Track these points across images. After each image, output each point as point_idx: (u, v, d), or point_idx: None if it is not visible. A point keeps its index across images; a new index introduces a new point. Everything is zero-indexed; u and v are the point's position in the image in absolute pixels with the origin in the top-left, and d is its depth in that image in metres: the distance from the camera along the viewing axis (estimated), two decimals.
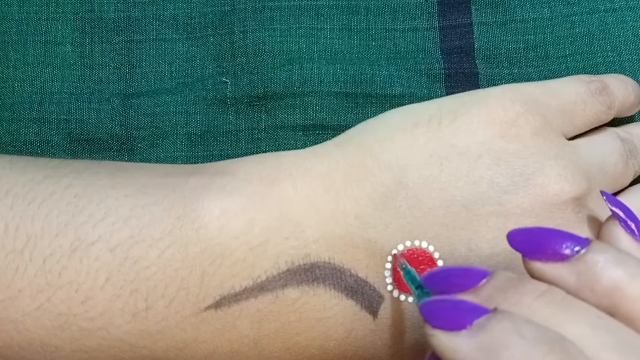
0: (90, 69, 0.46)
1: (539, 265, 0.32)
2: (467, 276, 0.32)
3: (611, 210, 0.36)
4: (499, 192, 0.37)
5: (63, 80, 0.46)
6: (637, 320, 0.30)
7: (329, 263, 0.36)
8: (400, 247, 0.37)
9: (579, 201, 0.37)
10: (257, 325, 0.36)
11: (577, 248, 0.32)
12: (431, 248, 0.37)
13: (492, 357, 0.28)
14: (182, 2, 0.47)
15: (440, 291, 0.32)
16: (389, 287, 0.37)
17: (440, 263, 0.37)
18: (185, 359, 0.36)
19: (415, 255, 0.37)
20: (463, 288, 0.32)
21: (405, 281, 0.35)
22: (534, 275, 0.32)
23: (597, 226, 0.38)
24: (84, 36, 0.47)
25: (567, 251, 0.32)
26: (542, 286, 0.31)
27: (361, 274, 0.37)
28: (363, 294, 0.37)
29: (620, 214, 0.36)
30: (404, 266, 0.36)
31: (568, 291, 0.31)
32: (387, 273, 0.37)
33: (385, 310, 0.37)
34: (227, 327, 0.36)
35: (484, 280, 0.31)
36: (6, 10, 0.47)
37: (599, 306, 0.30)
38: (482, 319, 0.29)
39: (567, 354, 0.28)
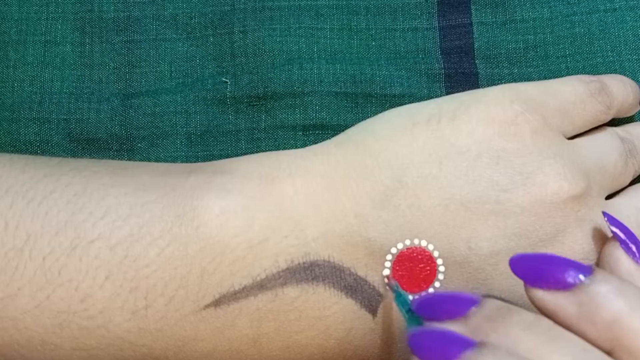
0: (90, 68, 0.46)
1: (540, 294, 0.32)
2: (456, 303, 0.32)
3: (612, 231, 0.36)
4: (498, 191, 0.37)
5: (63, 80, 0.46)
6: (638, 353, 0.30)
7: (329, 262, 0.36)
8: (400, 246, 0.37)
9: (578, 200, 0.37)
10: (256, 323, 0.36)
11: (579, 276, 0.32)
12: (430, 247, 0.37)
13: None
14: (182, 2, 0.47)
15: (430, 318, 0.32)
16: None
17: (439, 262, 0.37)
18: (185, 357, 0.36)
19: (415, 254, 0.37)
20: (452, 316, 0.32)
21: (396, 304, 0.36)
22: (535, 304, 0.32)
23: (597, 226, 0.38)
24: (84, 36, 0.47)
25: (570, 280, 0.32)
26: (529, 317, 0.31)
27: (360, 273, 0.37)
28: (362, 293, 0.37)
29: (621, 235, 0.36)
30: (395, 289, 0.36)
31: (569, 321, 0.31)
32: (387, 272, 0.37)
33: (384, 309, 0.37)
34: (226, 325, 0.36)
35: (474, 308, 0.32)
36: (6, 10, 0.47)
37: (599, 338, 0.30)
38: (467, 353, 0.29)
39: None
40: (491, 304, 0.32)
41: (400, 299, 0.35)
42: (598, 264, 0.37)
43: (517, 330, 0.30)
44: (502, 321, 0.31)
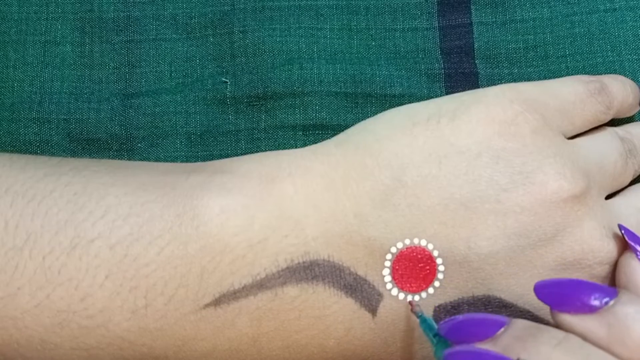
0: (89, 68, 0.46)
1: (568, 318, 0.32)
2: (485, 325, 0.33)
3: (629, 244, 0.37)
4: (497, 191, 0.37)
5: (63, 80, 0.46)
6: None
7: (328, 261, 0.36)
8: (400, 245, 0.37)
9: (578, 199, 0.37)
10: (256, 323, 0.36)
11: (605, 300, 0.32)
12: (430, 246, 0.37)
13: None
14: (182, 2, 0.47)
15: (458, 341, 0.33)
16: (388, 286, 0.37)
17: (439, 261, 0.37)
18: (185, 357, 0.36)
19: (415, 254, 0.37)
20: (481, 337, 0.32)
21: (422, 329, 0.36)
22: (563, 328, 0.32)
23: (596, 225, 0.38)
24: (84, 36, 0.47)
25: (596, 303, 0.32)
26: (559, 334, 0.31)
27: (360, 272, 0.37)
28: (362, 292, 0.37)
29: (638, 248, 0.36)
30: (420, 314, 0.36)
31: (599, 344, 0.31)
32: (386, 271, 0.37)
33: (384, 308, 0.37)
34: (226, 324, 0.36)
35: (502, 329, 0.32)
36: (6, 10, 0.47)
37: (631, 359, 0.31)
38: None
39: None
40: (520, 324, 0.32)
41: (425, 324, 0.35)
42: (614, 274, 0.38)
43: (548, 348, 0.31)
44: (533, 340, 0.31)
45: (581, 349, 0.31)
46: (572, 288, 0.33)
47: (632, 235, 0.37)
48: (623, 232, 0.37)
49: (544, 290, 0.34)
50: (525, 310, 0.38)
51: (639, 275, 0.36)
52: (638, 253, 0.36)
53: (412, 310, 0.37)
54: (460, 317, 0.34)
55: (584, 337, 0.32)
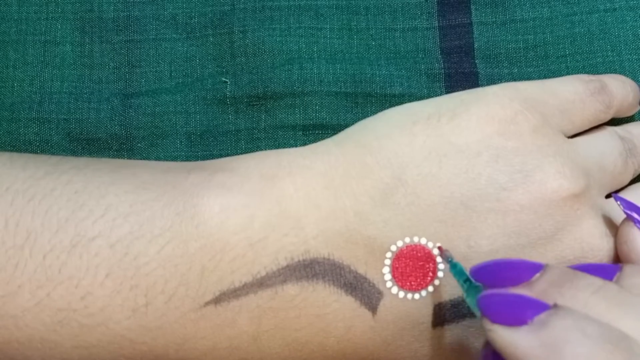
0: (89, 68, 0.46)
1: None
2: (519, 269, 0.32)
3: (626, 213, 0.37)
4: (497, 189, 0.37)
5: (62, 80, 0.46)
6: None
7: (328, 259, 0.36)
8: (400, 244, 0.37)
9: (577, 198, 0.37)
10: (256, 321, 0.36)
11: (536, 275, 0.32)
12: (430, 244, 0.37)
13: (554, 355, 0.28)
14: (182, 2, 0.47)
15: (491, 284, 0.32)
16: (388, 284, 0.37)
17: (439, 260, 0.37)
18: (185, 355, 0.36)
19: (415, 252, 0.37)
20: (515, 282, 0.32)
21: (452, 274, 0.35)
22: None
23: (596, 224, 0.38)
24: (84, 36, 0.47)
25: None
26: (598, 281, 0.31)
27: (360, 270, 0.37)
28: (362, 290, 0.37)
29: (635, 216, 0.36)
30: (450, 259, 0.36)
31: None
32: (386, 270, 0.37)
33: (384, 307, 0.37)
34: (226, 323, 0.36)
35: (538, 274, 0.32)
36: (5, 10, 0.47)
37: None
38: (543, 315, 0.29)
39: (631, 353, 0.28)
40: (557, 270, 0.32)
41: (456, 269, 0.35)
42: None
43: (586, 294, 0.30)
44: (570, 286, 0.31)
45: (620, 295, 0.30)
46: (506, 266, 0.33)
47: (629, 204, 0.37)
48: (619, 202, 0.37)
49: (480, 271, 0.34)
50: None
51: (639, 243, 0.36)
52: (636, 221, 0.36)
53: (441, 254, 0.37)
54: (494, 260, 0.34)
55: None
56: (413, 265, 0.37)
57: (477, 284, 0.33)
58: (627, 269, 0.33)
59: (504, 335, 0.30)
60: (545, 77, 0.46)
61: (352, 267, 0.36)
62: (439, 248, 0.37)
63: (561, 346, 0.28)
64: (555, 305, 0.30)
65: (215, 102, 0.45)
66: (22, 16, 0.47)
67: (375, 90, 0.45)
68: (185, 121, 0.45)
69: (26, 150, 0.45)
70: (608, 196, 0.41)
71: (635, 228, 0.36)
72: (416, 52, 0.46)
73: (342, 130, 0.40)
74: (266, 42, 0.46)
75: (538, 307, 0.30)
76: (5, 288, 0.35)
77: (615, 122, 0.44)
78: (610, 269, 0.33)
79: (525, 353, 0.29)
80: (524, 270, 0.32)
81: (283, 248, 0.36)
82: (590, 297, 0.30)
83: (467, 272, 0.34)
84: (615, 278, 0.32)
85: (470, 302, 0.33)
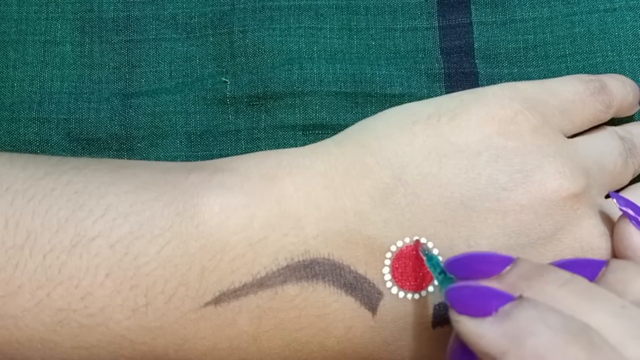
0: (89, 68, 0.46)
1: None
2: (491, 262, 0.33)
3: (621, 210, 0.37)
4: (497, 189, 0.37)
5: (62, 80, 0.46)
6: None
7: (328, 259, 0.36)
8: (400, 244, 0.37)
9: (577, 198, 0.37)
10: (256, 321, 0.36)
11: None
12: (430, 244, 0.37)
13: (516, 345, 0.29)
14: (182, 2, 0.47)
15: (464, 277, 0.33)
16: (388, 284, 0.37)
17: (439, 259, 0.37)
18: (185, 355, 0.36)
19: (415, 252, 0.37)
20: (487, 274, 0.33)
21: (428, 267, 0.36)
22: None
23: (596, 224, 0.38)
24: (84, 36, 0.47)
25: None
26: (566, 274, 0.32)
27: (360, 271, 0.37)
28: (362, 291, 0.37)
29: (631, 212, 0.36)
30: (426, 252, 0.36)
31: None
32: (386, 270, 0.37)
33: (384, 307, 0.37)
34: (226, 323, 0.36)
35: (508, 267, 0.33)
36: (5, 10, 0.47)
37: None
38: (507, 307, 0.30)
39: (591, 343, 0.28)
40: (527, 263, 0.32)
41: (432, 261, 0.35)
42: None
43: (554, 287, 0.31)
44: (539, 279, 0.31)
45: (588, 289, 0.31)
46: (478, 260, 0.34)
47: (624, 200, 0.37)
48: (615, 199, 0.37)
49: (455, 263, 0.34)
50: None
51: (634, 240, 0.36)
52: (631, 218, 0.36)
53: (419, 249, 0.37)
54: (467, 253, 0.35)
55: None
56: (413, 265, 0.37)
57: (451, 276, 0.34)
58: (613, 264, 0.33)
59: (469, 326, 0.30)
60: (545, 77, 0.46)
61: (352, 267, 0.36)
62: (416, 242, 0.37)
63: (523, 337, 0.29)
64: (520, 297, 0.30)
65: (215, 102, 0.45)
66: (22, 16, 0.47)
67: (375, 90, 0.45)
68: (185, 121, 0.45)
69: (26, 150, 0.45)
70: (608, 196, 0.41)
71: (631, 225, 0.36)
72: (416, 52, 0.46)
73: (342, 130, 0.40)
74: (266, 42, 0.46)
75: (503, 298, 0.30)
76: (5, 288, 0.34)
77: (615, 122, 0.44)
78: (597, 264, 0.34)
79: (489, 343, 0.30)
80: (496, 264, 0.33)
81: (283, 248, 0.36)
82: (557, 290, 0.31)
83: (442, 266, 0.35)
84: (600, 272, 0.33)
85: (442, 294, 0.33)
